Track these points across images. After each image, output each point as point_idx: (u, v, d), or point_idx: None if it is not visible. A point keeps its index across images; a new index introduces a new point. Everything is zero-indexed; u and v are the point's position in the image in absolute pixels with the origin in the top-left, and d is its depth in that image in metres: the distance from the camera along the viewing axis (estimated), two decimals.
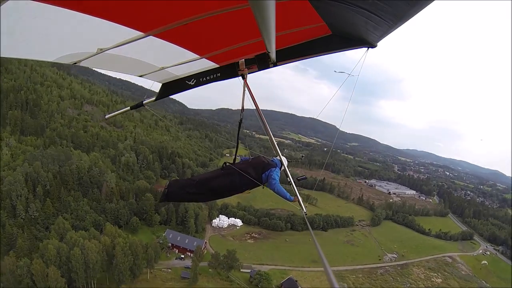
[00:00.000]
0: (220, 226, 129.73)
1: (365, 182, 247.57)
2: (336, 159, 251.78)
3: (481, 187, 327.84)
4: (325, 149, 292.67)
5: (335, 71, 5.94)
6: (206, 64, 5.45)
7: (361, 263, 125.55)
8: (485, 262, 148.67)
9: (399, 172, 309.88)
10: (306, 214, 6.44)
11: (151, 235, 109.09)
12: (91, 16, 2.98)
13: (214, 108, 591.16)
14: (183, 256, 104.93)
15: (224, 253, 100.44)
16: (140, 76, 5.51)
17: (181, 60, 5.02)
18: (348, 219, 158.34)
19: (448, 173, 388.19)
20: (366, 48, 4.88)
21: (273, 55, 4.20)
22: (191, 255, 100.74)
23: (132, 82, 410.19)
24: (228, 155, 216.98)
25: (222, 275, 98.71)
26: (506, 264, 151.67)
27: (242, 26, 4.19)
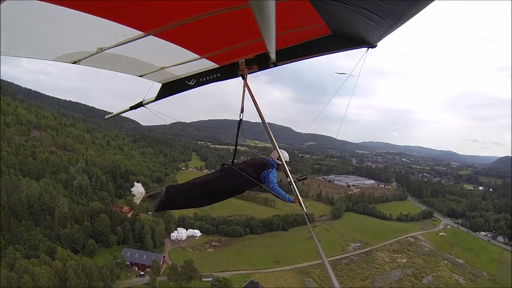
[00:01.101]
0: (179, 238, 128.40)
1: (324, 178, 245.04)
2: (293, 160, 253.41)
3: (437, 167, 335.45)
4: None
5: (336, 73, 6.07)
6: (206, 64, 5.57)
7: (325, 257, 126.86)
8: (443, 234, 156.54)
9: (357, 165, 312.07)
10: (306, 214, 6.76)
11: (110, 256, 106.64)
12: (91, 15, 3.08)
13: (168, 123, 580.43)
14: (142, 273, 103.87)
15: (181, 264, 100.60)
16: (140, 76, 5.58)
17: (181, 60, 5.13)
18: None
19: (404, 159, 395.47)
20: (366, 48, 5.03)
21: (273, 55, 4.30)
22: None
23: (83, 103, 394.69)
24: (184, 168, 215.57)
25: (183, 286, 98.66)
26: (467, 234, 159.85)
27: (242, 26, 4.32)
